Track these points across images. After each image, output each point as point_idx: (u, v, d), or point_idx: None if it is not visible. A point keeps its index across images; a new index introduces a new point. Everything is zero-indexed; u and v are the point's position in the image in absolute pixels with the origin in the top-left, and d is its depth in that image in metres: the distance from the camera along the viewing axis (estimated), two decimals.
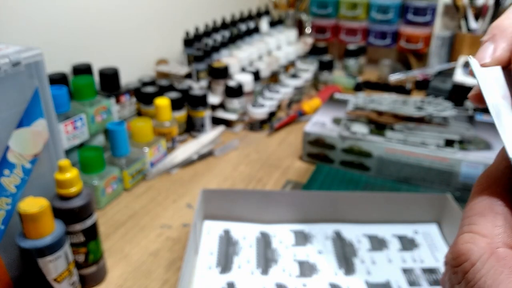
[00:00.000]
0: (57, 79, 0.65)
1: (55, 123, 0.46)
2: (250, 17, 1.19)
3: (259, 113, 0.86)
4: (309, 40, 1.23)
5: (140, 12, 0.93)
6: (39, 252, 0.38)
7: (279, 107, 0.95)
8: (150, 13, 0.96)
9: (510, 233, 0.18)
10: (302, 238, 0.54)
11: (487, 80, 0.21)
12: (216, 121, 0.88)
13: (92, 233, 0.45)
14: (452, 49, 1.15)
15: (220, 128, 0.85)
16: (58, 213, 0.41)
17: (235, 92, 0.86)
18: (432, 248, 0.52)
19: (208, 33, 1.04)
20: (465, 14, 1.09)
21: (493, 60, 0.21)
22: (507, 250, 0.18)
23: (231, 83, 0.86)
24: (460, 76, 0.93)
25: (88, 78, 0.66)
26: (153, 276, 0.49)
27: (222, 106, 0.89)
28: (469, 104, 0.88)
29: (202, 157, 0.76)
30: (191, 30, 1.05)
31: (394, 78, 1.11)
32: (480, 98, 0.21)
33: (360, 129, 0.71)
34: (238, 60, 0.93)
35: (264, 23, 1.17)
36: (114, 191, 0.63)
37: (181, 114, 0.81)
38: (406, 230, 0.55)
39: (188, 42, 0.99)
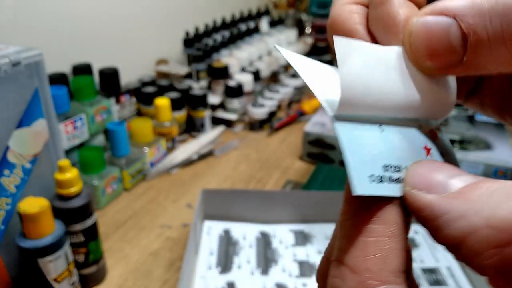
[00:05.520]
0: (57, 79, 0.65)
1: (55, 123, 0.46)
2: (250, 17, 1.19)
3: (259, 113, 0.86)
4: (309, 40, 1.23)
5: (140, 12, 0.93)
6: (39, 252, 0.38)
7: (279, 107, 0.95)
8: (150, 13, 0.96)
9: (383, 265, 0.15)
10: (302, 238, 0.53)
11: None
12: (216, 121, 0.88)
13: (92, 233, 0.45)
14: None
15: (220, 128, 0.85)
16: (58, 213, 0.41)
17: (235, 92, 0.86)
18: (432, 248, 0.52)
19: (208, 33, 1.04)
20: None
21: None
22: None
23: (231, 83, 0.86)
24: None
25: (88, 78, 0.66)
26: (153, 276, 0.49)
27: (222, 106, 0.89)
28: None
29: (202, 157, 0.76)
30: (191, 30, 1.05)
31: None
32: None
33: None
34: (238, 60, 0.93)
35: (264, 23, 1.17)
36: (114, 191, 0.63)
37: (181, 114, 0.81)
38: None
39: (188, 42, 0.99)
